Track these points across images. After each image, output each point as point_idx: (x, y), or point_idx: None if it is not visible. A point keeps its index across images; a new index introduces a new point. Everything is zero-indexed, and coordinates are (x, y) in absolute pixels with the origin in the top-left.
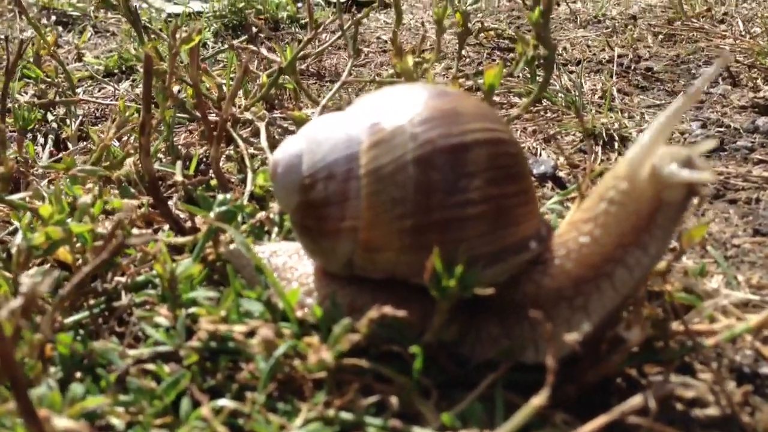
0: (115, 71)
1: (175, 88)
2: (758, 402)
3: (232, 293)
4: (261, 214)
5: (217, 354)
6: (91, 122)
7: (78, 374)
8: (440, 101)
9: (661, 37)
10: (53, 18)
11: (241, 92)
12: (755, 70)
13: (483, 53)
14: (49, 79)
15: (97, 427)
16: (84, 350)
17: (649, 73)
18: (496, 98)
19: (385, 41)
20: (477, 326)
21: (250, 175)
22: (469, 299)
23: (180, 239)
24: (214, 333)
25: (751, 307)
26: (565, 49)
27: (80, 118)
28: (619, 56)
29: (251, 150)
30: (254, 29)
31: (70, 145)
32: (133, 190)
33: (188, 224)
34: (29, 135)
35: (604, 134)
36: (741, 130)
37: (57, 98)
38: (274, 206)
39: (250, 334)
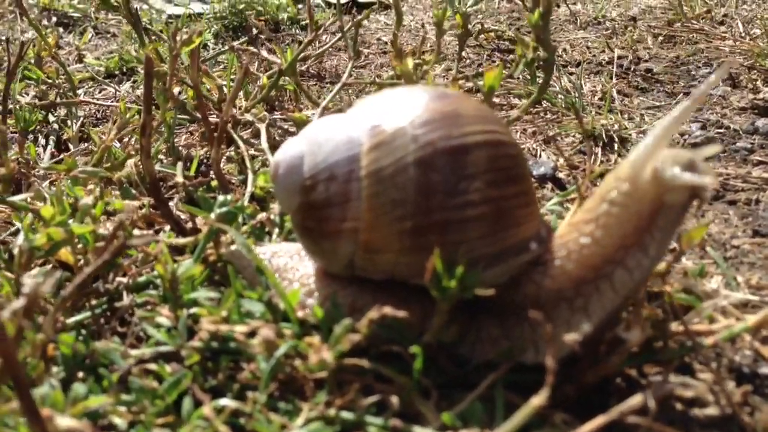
0: (116, 72)
1: (176, 90)
2: (757, 402)
3: (233, 294)
4: (262, 215)
5: (218, 354)
6: (92, 123)
7: (80, 374)
8: (441, 103)
9: (660, 38)
10: (54, 19)
11: (241, 94)
12: (755, 71)
13: (483, 55)
14: (50, 81)
15: (99, 427)
16: (86, 350)
17: (649, 75)
18: (496, 100)
19: (386, 43)
20: (477, 327)
21: (250, 176)
22: (469, 300)
23: (181, 240)
24: (215, 333)
25: (750, 307)
26: (564, 50)
27: (81, 119)
28: (619, 58)
29: (252, 151)
30: (255, 31)
31: (71, 147)
32: (134, 191)
33: (189, 225)
34: (30, 136)
35: (603, 136)
36: (740, 132)
37: (58, 99)
38: (275, 207)
39: (252, 334)
